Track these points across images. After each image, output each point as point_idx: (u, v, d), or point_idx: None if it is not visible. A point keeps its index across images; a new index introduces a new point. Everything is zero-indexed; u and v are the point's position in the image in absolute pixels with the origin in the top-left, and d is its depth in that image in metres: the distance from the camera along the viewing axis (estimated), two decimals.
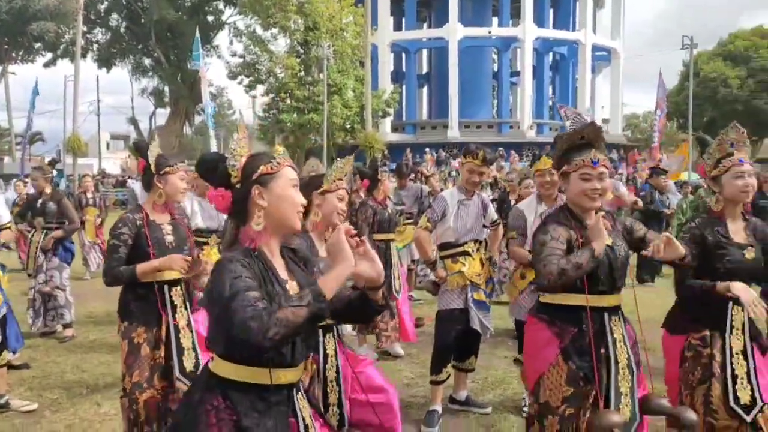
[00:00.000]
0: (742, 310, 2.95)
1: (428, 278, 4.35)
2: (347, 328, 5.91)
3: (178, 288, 3.39)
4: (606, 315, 2.70)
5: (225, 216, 5.74)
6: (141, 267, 3.24)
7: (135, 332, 3.30)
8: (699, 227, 3.02)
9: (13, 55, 38.04)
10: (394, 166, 12.28)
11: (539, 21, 36.97)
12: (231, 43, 34.74)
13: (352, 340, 5.87)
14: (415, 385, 4.95)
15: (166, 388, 3.32)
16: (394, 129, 37.39)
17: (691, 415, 2.73)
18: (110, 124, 56.88)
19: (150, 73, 40.74)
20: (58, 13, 34.52)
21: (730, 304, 2.95)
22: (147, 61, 39.87)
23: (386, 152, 28.50)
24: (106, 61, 39.37)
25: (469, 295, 4.20)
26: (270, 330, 1.64)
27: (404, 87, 37.43)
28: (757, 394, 2.86)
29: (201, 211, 5.75)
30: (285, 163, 1.96)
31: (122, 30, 38.99)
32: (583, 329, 2.64)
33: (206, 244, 5.77)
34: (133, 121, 45.01)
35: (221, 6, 38.51)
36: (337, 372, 2.91)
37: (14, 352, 4.71)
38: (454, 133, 34.71)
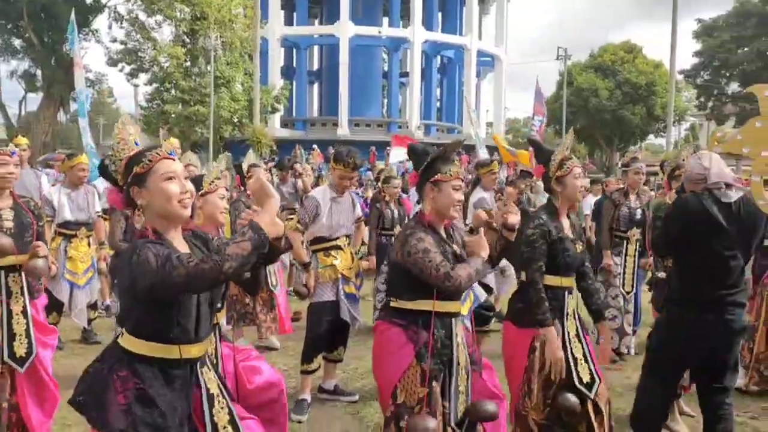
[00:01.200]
0: (573, 299, 3.29)
1: (298, 282, 4.52)
2: (222, 323, 5.92)
3: (16, 275, 3.36)
4: (453, 320, 2.89)
5: (95, 208, 5.60)
6: None
7: None
8: (544, 224, 3.23)
9: None
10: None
11: (428, 24, 37.94)
12: (110, 27, 32.88)
13: (229, 333, 5.87)
14: (288, 376, 5.05)
15: (4, 371, 3.31)
16: (284, 125, 37.12)
17: (571, 398, 3.03)
18: None
19: (20, 55, 37.95)
20: None
21: (566, 293, 3.27)
22: (17, 42, 37.13)
23: (275, 147, 28.28)
24: None
25: (340, 287, 4.38)
26: (225, 264, 1.85)
27: (295, 83, 37.21)
28: (594, 373, 3.20)
29: (69, 202, 5.59)
30: (157, 159, 2.07)
31: None
32: (434, 333, 2.80)
33: (75, 236, 5.62)
34: (1, 106, 41.82)
35: None
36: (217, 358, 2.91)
37: None
38: (344, 131, 34.93)
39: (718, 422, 3.37)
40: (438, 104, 44.48)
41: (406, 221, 5.76)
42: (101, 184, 6.79)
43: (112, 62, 29.70)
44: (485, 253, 2.87)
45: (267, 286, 5.70)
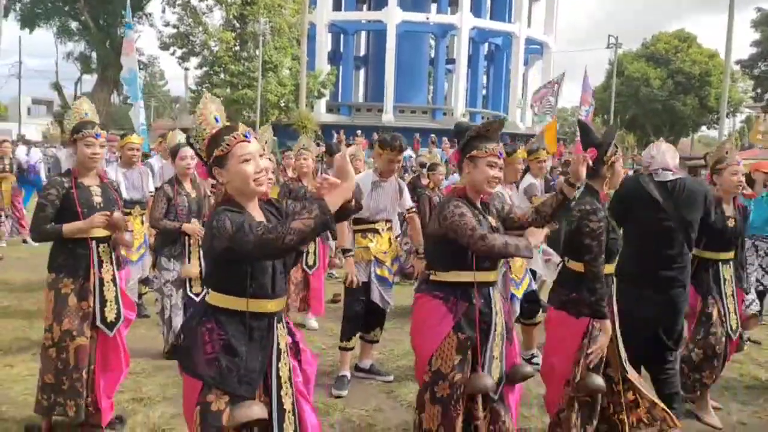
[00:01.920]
0: (614, 284, 3.36)
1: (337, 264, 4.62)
2: None
3: (106, 245, 3.61)
4: (491, 289, 3.02)
5: (149, 188, 5.89)
6: (67, 227, 3.47)
7: (62, 283, 3.51)
8: (605, 217, 3.23)
9: None
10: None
11: (476, 11, 37.60)
12: (163, 11, 33.54)
13: None
14: (325, 354, 5.23)
15: (93, 337, 3.55)
16: (329, 110, 37.38)
17: (598, 380, 3.14)
18: (32, 88, 54.24)
19: (76, 37, 38.97)
20: None
21: (612, 278, 3.33)
22: (74, 24, 38.13)
23: (319, 132, 28.56)
24: (29, 21, 37.48)
25: (373, 269, 4.50)
26: (286, 237, 2.05)
27: (341, 68, 37.41)
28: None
29: (125, 181, 5.83)
30: (234, 143, 2.29)
31: None
32: (473, 303, 2.93)
33: (129, 214, 5.88)
34: (57, 86, 43.13)
35: None
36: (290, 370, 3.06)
37: None
38: (388, 117, 35.00)
39: (662, 385, 3.78)
40: (484, 92, 44.13)
41: None
42: (156, 162, 7.07)
43: (164, 46, 30.35)
44: (534, 240, 2.98)
45: (302, 266, 5.88)
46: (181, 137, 5.04)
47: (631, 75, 37.42)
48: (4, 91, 31.62)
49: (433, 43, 41.67)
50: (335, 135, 26.14)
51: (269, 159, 3.51)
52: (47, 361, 3.51)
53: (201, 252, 4.81)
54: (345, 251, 4.55)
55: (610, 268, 3.33)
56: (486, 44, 40.69)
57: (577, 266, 3.25)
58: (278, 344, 2.38)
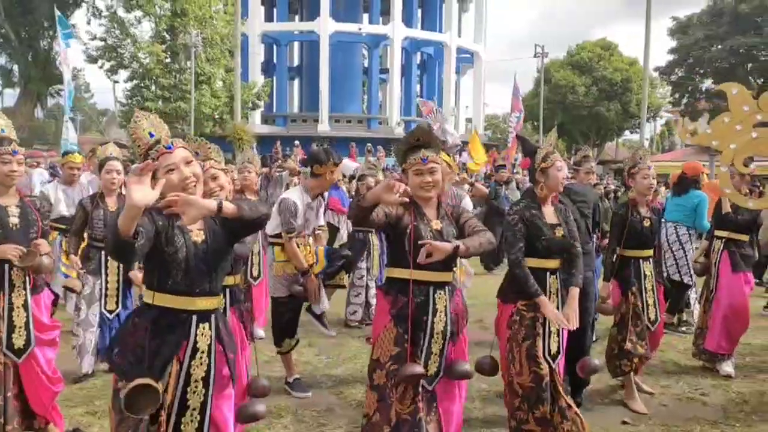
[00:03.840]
0: (556, 279, 3.64)
1: (295, 287, 4.71)
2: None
3: (18, 269, 3.47)
4: (431, 288, 3.18)
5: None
6: None
7: None
8: (521, 210, 3.61)
9: None
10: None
11: (408, 21, 38.20)
12: (89, 22, 32.63)
13: None
14: (274, 362, 5.35)
15: (7, 363, 3.44)
16: (265, 121, 37.18)
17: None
18: None
19: None
20: None
21: (547, 273, 3.60)
22: None
23: (255, 144, 28.41)
24: None
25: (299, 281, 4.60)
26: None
27: (275, 79, 37.28)
28: (561, 347, 3.60)
29: (65, 198, 5.83)
30: (158, 155, 2.39)
31: None
32: (408, 299, 3.13)
33: (69, 230, 5.86)
34: None
35: None
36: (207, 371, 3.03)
37: None
38: (324, 127, 35.09)
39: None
40: (418, 100, 44.82)
41: None
42: (85, 177, 6.99)
43: (91, 59, 29.53)
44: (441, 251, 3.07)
45: (245, 278, 5.97)
46: (113, 150, 5.01)
47: (558, 83, 38.86)
48: None
49: (366, 53, 42.09)
50: (274, 146, 26.09)
51: (225, 171, 3.54)
52: None
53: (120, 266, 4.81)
54: (304, 272, 4.61)
55: (549, 263, 3.61)
56: (418, 54, 41.39)
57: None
58: (195, 343, 2.44)
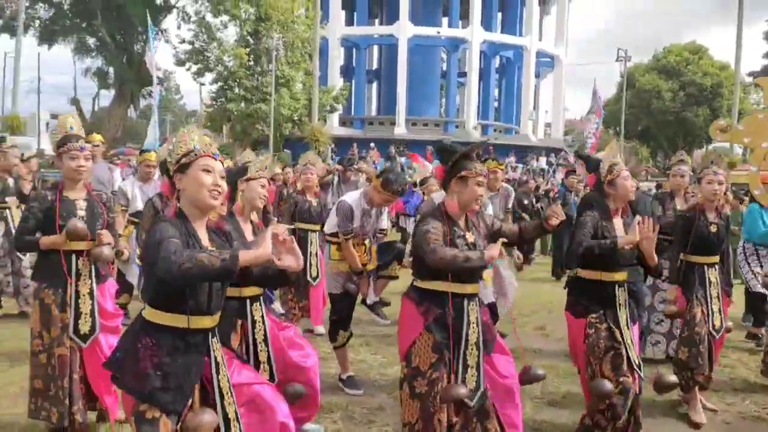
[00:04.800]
0: (624, 291, 3.62)
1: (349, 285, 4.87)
2: (277, 307, 6.42)
3: (85, 258, 3.70)
4: (465, 300, 3.23)
5: None
6: (44, 240, 3.61)
7: (44, 293, 3.65)
8: (595, 217, 3.60)
9: None
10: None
11: (487, 24, 37.91)
12: (179, 27, 34.07)
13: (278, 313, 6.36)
14: (331, 359, 5.47)
15: (73, 347, 3.67)
16: (342, 123, 37.76)
17: (606, 386, 3.37)
18: (51, 104, 55.31)
19: (94, 53, 39.87)
20: None
21: (616, 286, 3.58)
22: (91, 41, 39.01)
23: (333, 146, 28.92)
24: (48, 37, 38.35)
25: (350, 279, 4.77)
26: (185, 264, 2.09)
27: (354, 82, 37.81)
28: (636, 356, 3.58)
29: (141, 194, 6.15)
30: (202, 154, 2.43)
31: (66, 7, 37.99)
32: (445, 311, 3.16)
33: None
34: (75, 102, 44.00)
35: None
36: (265, 334, 3.43)
37: None
38: (401, 130, 35.31)
39: None
40: (496, 104, 44.38)
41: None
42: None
43: (180, 62, 30.84)
44: (489, 253, 3.10)
45: (305, 277, 6.13)
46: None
47: (643, 87, 37.55)
48: (23, 107, 32.27)
49: (444, 56, 42.03)
50: (350, 148, 26.50)
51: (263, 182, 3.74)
52: (37, 367, 3.64)
53: None
54: (359, 273, 4.76)
55: (619, 276, 3.61)
56: (497, 57, 40.98)
57: (582, 273, 3.65)
58: (215, 358, 2.47)
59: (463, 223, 3.29)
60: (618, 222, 3.67)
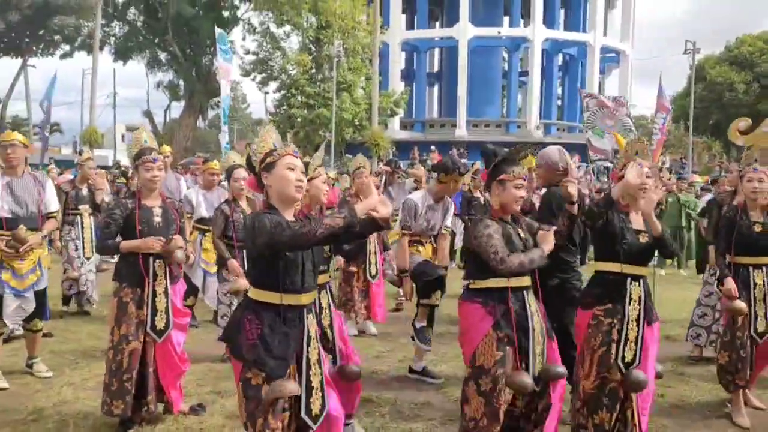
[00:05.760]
0: (639, 286, 3.62)
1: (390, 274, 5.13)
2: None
3: (161, 261, 4.06)
4: (525, 293, 3.35)
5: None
6: (124, 244, 3.98)
7: (123, 292, 4.00)
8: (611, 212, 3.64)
9: (33, 48, 39.03)
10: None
11: (549, 22, 37.39)
12: (244, 38, 35.23)
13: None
14: (384, 357, 5.70)
15: (148, 342, 4.04)
16: (403, 126, 37.98)
17: (639, 375, 3.45)
18: (126, 117, 57.97)
19: (165, 67, 41.52)
20: (78, 7, 35.50)
21: (629, 280, 3.61)
22: (163, 55, 40.64)
23: (394, 149, 29.19)
24: (122, 54, 40.22)
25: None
26: (318, 230, 2.57)
27: (414, 85, 38.00)
28: (638, 356, 3.56)
29: (204, 202, 6.53)
30: (284, 153, 2.77)
31: (139, 24, 39.80)
32: (509, 305, 3.29)
33: (208, 230, 6.55)
34: (148, 114, 45.95)
35: (237, 1, 39.22)
36: (331, 320, 3.76)
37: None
38: (461, 132, 35.28)
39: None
40: (559, 103, 43.69)
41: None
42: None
43: (245, 73, 31.86)
44: (547, 247, 3.34)
45: (365, 276, 6.37)
46: (237, 158, 5.55)
47: (714, 80, 36.22)
48: (100, 121, 33.98)
49: (506, 56, 41.69)
50: (411, 151, 26.69)
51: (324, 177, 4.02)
52: (107, 363, 3.99)
53: None
54: (402, 271, 5.02)
55: (630, 269, 3.61)
56: (560, 55, 40.34)
57: (597, 265, 3.72)
58: (308, 332, 2.80)
59: (509, 220, 3.42)
60: (636, 216, 3.70)
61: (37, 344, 5.21)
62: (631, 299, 3.59)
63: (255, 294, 2.77)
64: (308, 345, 2.81)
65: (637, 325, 3.59)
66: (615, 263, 3.60)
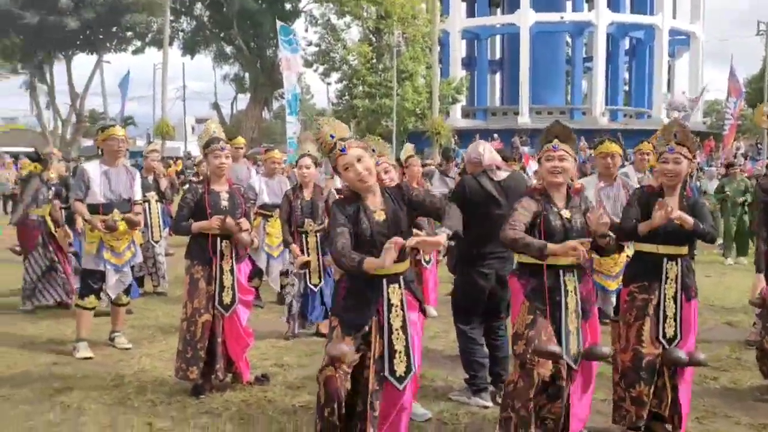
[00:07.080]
0: (677, 265, 3.68)
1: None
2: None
3: (228, 241, 4.42)
4: (561, 271, 3.45)
5: None
6: (195, 225, 4.36)
7: (194, 269, 4.39)
8: (643, 195, 3.76)
9: (107, 44, 40.78)
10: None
11: (614, 5, 36.47)
12: (306, 30, 35.69)
13: None
14: (438, 338, 5.89)
15: (217, 315, 4.41)
16: (465, 114, 37.87)
17: (678, 353, 3.55)
18: (194, 109, 59.80)
19: (231, 60, 42.65)
20: (148, 4, 36.91)
21: (665, 259, 3.68)
22: (228, 49, 41.76)
23: (456, 138, 29.19)
24: (190, 48, 41.54)
25: None
26: (343, 260, 2.96)
27: (475, 73, 37.81)
28: (678, 331, 3.66)
29: (267, 189, 6.88)
30: (336, 157, 3.06)
31: (205, 19, 40.98)
32: (542, 280, 3.44)
33: (271, 216, 6.89)
34: (216, 106, 47.29)
35: None
36: (403, 321, 3.15)
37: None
38: (524, 119, 34.91)
39: (494, 348, 4.36)
40: (626, 88, 42.57)
41: None
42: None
43: (308, 64, 32.37)
44: (551, 250, 3.28)
45: (420, 262, 6.56)
46: (310, 147, 5.79)
47: None
48: (170, 113, 35.32)
49: (569, 41, 40.90)
50: (473, 139, 26.63)
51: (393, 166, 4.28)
52: (183, 332, 4.37)
53: (318, 247, 5.70)
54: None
55: (665, 249, 3.67)
56: (626, 39, 39.26)
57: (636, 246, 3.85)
58: (389, 300, 3.10)
59: (562, 200, 3.52)
60: (672, 199, 3.66)
61: (121, 318, 5.69)
62: (667, 278, 3.68)
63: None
64: (389, 311, 3.10)
65: (675, 303, 3.68)
66: (652, 244, 3.69)
